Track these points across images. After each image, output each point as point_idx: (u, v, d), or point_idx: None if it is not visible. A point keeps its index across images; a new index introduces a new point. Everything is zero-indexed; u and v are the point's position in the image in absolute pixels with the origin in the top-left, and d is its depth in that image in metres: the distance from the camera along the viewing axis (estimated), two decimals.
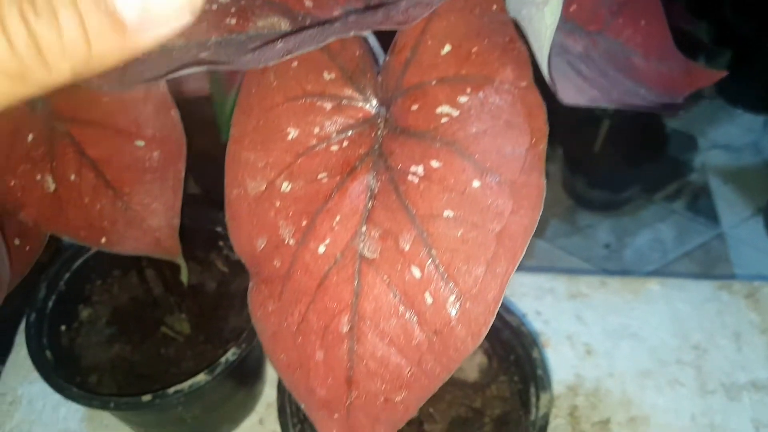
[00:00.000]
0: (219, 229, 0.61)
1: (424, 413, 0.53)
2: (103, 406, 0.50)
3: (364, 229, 0.29)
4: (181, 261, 0.56)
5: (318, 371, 0.29)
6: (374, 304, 0.28)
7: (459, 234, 0.27)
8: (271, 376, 0.67)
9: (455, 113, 0.28)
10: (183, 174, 0.38)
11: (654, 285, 0.73)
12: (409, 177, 0.28)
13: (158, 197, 0.38)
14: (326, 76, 0.30)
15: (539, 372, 0.51)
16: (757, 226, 1.06)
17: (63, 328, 0.58)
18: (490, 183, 0.27)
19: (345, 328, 0.29)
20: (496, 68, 0.27)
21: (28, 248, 0.40)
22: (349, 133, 0.30)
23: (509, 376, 0.55)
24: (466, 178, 0.27)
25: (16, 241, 0.38)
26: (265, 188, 0.30)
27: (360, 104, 0.30)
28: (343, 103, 0.30)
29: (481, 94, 0.27)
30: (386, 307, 0.28)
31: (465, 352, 0.27)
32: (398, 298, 0.28)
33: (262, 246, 0.30)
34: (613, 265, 0.95)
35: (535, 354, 0.52)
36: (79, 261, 0.60)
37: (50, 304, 0.57)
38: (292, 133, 0.30)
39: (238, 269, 0.62)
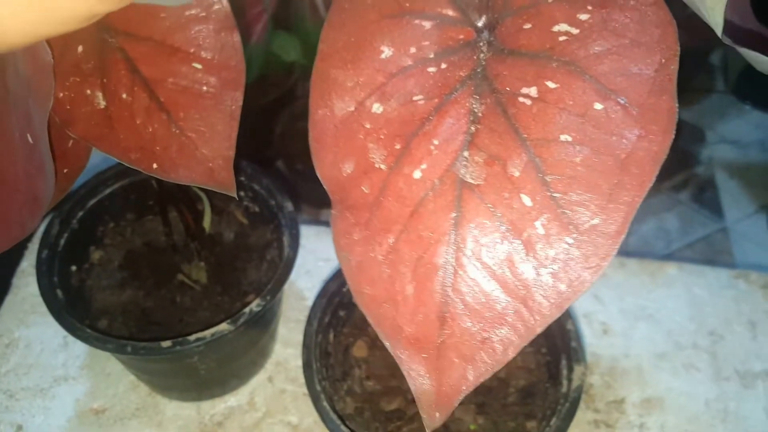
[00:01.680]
0: (241, 178, 0.59)
1: None
2: (119, 350, 0.47)
3: (466, 153, 0.27)
4: (206, 205, 0.54)
5: (407, 306, 0.27)
6: (476, 234, 0.26)
7: (578, 160, 0.25)
8: (282, 335, 0.65)
9: (575, 31, 0.26)
10: (240, 103, 0.36)
11: (672, 269, 0.72)
12: (520, 99, 0.26)
13: (214, 125, 0.35)
14: None
15: (573, 344, 0.49)
16: (761, 223, 1.06)
17: (74, 268, 0.55)
18: (614, 105, 0.25)
19: (441, 260, 0.27)
20: None
21: (66, 171, 0.37)
22: (449, 55, 0.28)
23: (536, 348, 0.54)
24: (587, 99, 0.25)
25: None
26: (355, 109, 0.28)
27: (461, 25, 0.28)
28: (443, 23, 0.28)
29: (603, 11, 0.25)
30: (490, 237, 0.26)
31: (580, 288, 0.25)
32: (504, 227, 0.26)
33: (349, 171, 0.28)
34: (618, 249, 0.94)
35: (569, 326, 0.50)
36: (93, 200, 0.57)
37: (62, 242, 0.54)
38: (386, 52, 0.28)
39: (258, 222, 0.60)
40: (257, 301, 0.50)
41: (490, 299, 0.26)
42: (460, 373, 0.27)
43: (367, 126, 0.28)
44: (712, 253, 1.04)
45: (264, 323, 0.57)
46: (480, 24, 0.27)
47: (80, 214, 0.55)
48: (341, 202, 0.28)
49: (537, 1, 0.26)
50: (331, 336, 0.52)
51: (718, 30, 0.25)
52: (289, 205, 0.56)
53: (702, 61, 1.21)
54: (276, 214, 0.57)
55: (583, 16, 0.26)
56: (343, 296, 0.53)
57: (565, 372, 0.49)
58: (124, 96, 0.34)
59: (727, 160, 1.16)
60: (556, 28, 0.26)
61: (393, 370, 0.52)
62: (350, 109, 0.28)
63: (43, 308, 0.66)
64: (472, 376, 0.27)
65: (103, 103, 0.34)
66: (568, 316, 0.51)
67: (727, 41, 0.27)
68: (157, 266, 0.57)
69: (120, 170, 0.58)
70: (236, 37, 0.35)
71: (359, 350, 0.53)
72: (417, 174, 0.27)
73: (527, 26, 0.26)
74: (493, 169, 0.26)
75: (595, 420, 0.61)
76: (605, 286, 0.70)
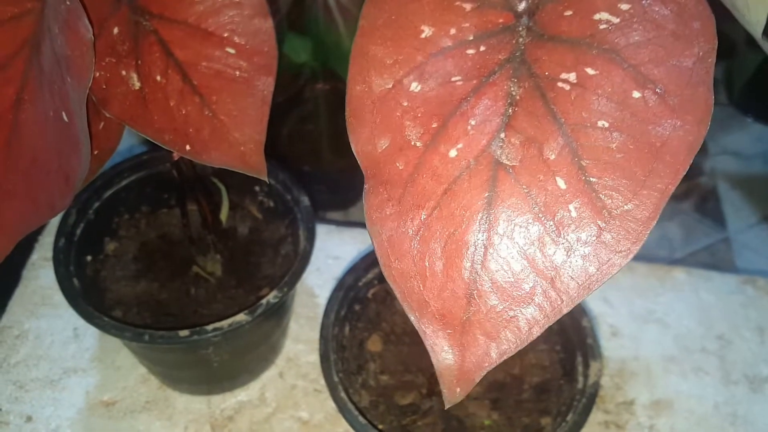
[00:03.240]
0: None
1: None
2: (136, 339, 0.47)
3: (503, 135, 0.27)
4: (224, 197, 0.54)
5: (435, 282, 0.27)
6: (509, 214, 0.27)
7: (614, 146, 0.25)
8: (292, 331, 0.65)
9: (615, 20, 0.26)
10: (272, 89, 0.36)
11: (680, 273, 0.73)
12: (559, 84, 0.27)
13: (245, 110, 0.36)
14: None
15: (589, 341, 0.50)
16: (763, 234, 1.07)
17: (89, 258, 0.55)
18: (652, 95, 0.25)
19: (472, 238, 0.27)
20: None
21: (96, 152, 0.37)
22: (488, 38, 0.28)
23: (550, 345, 0.54)
24: (625, 87, 0.26)
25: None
26: (392, 86, 0.28)
27: (502, 9, 0.28)
28: (484, 6, 0.28)
29: (644, 2, 0.26)
30: (523, 217, 0.26)
31: (609, 272, 0.25)
32: (538, 208, 0.26)
33: (385, 146, 0.28)
34: None
35: (584, 323, 0.51)
36: (110, 192, 0.57)
37: (78, 232, 0.54)
38: (426, 31, 0.28)
39: (272, 217, 0.60)
40: (275, 293, 0.50)
41: (519, 278, 0.27)
42: (483, 350, 0.27)
43: (405, 104, 0.28)
44: (715, 262, 1.04)
45: (278, 316, 0.57)
46: (520, 9, 0.28)
47: (96, 204, 0.56)
48: (375, 177, 0.28)
49: None
50: (347, 329, 0.52)
51: (760, 28, 0.26)
52: (305, 200, 0.56)
53: None
54: (291, 209, 0.57)
55: (625, 6, 0.26)
56: (358, 290, 0.54)
57: (580, 368, 0.49)
58: (158, 78, 0.34)
59: (730, 171, 1.16)
60: (596, 17, 0.26)
61: (407, 366, 0.52)
62: (388, 86, 0.28)
63: (53, 300, 0.66)
64: (496, 353, 0.27)
65: (138, 85, 0.34)
66: (583, 313, 0.51)
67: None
68: (171, 258, 0.57)
69: (136, 162, 0.58)
70: (269, 23, 0.35)
71: (374, 344, 0.53)
72: (453, 153, 0.27)
73: (568, 13, 0.27)
74: (529, 151, 0.27)
75: (605, 421, 0.61)
76: (614, 289, 0.71)
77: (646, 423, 0.61)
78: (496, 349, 0.27)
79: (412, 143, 0.28)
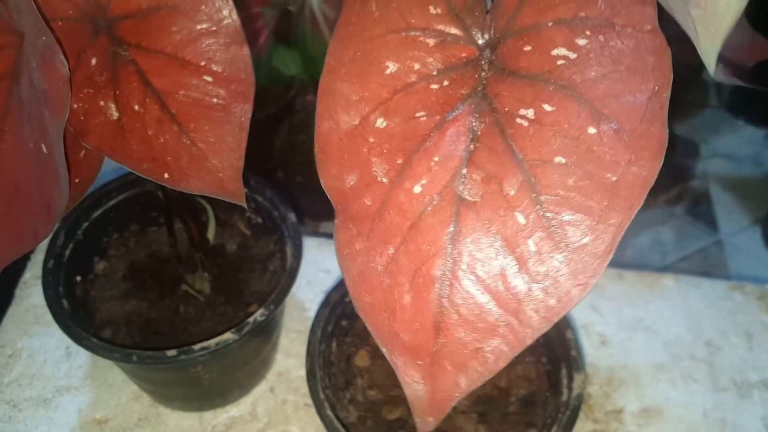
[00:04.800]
0: (245, 190, 0.60)
1: None
2: (125, 359, 0.48)
3: (464, 171, 0.28)
4: (210, 216, 0.55)
5: (404, 315, 0.28)
6: (472, 248, 0.27)
7: (570, 182, 0.26)
8: (283, 345, 0.65)
9: (573, 56, 0.27)
10: (250, 115, 0.37)
11: (669, 281, 0.73)
12: (518, 120, 0.27)
13: (223, 137, 0.36)
14: (432, 10, 0.29)
15: (573, 353, 0.50)
16: (755, 236, 1.07)
17: (78, 278, 0.56)
18: (607, 130, 0.26)
19: (438, 272, 0.28)
20: (619, 11, 0.26)
21: (77, 181, 0.38)
22: (451, 72, 0.29)
23: (536, 357, 0.54)
24: (581, 124, 0.26)
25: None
26: (359, 123, 0.29)
27: (464, 43, 0.29)
28: (447, 40, 0.29)
29: (601, 37, 0.26)
30: (485, 252, 0.27)
31: (569, 304, 0.26)
32: (499, 243, 0.27)
33: (353, 182, 0.29)
34: (612, 263, 0.95)
35: (568, 335, 0.51)
36: (98, 212, 0.57)
37: (67, 252, 0.55)
38: (391, 67, 0.29)
39: (260, 233, 0.61)
40: (261, 311, 0.51)
41: (484, 311, 0.27)
42: (453, 380, 0.28)
43: (371, 140, 0.29)
44: (707, 266, 1.04)
45: (267, 333, 0.57)
46: (482, 43, 0.28)
47: (85, 225, 0.56)
48: (344, 212, 0.29)
49: (538, 23, 0.27)
50: (334, 345, 0.53)
51: (711, 70, 0.26)
52: (292, 216, 0.57)
53: (696, 76, 1.22)
54: (279, 225, 0.58)
55: (582, 41, 0.27)
56: (345, 306, 0.54)
57: (565, 381, 0.49)
58: (136, 107, 0.35)
59: (721, 174, 1.17)
60: (555, 52, 0.27)
61: (394, 380, 0.53)
62: (355, 122, 0.29)
63: (46, 319, 0.67)
64: (465, 383, 0.28)
65: (116, 115, 0.35)
66: (567, 325, 0.51)
67: (719, 78, 0.28)
68: (160, 277, 0.58)
69: (124, 182, 0.59)
70: (245, 51, 0.36)
71: (361, 360, 0.54)
72: (417, 189, 0.28)
73: (527, 48, 0.27)
74: (490, 187, 0.27)
75: (594, 430, 0.61)
76: (603, 298, 0.71)
77: (635, 431, 0.62)
78: (465, 380, 0.28)
79: (379, 179, 0.29)
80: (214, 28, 0.36)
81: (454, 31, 0.29)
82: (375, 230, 0.28)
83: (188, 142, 0.36)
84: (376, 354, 0.55)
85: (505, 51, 0.28)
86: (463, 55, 0.29)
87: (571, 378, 0.49)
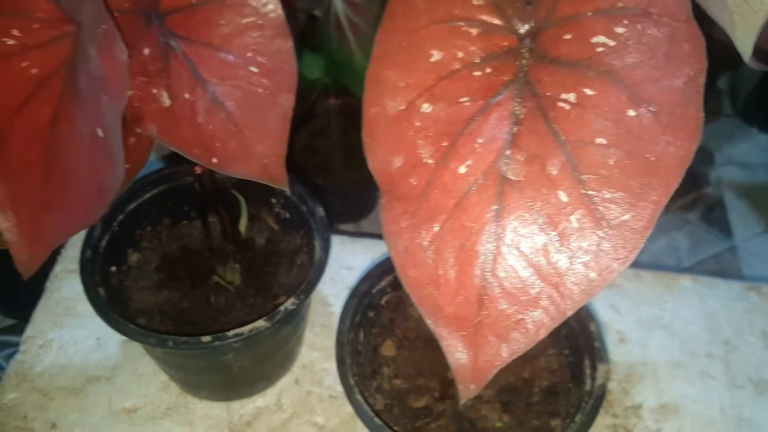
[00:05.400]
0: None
1: None
2: (161, 344, 0.49)
3: (508, 152, 0.29)
4: (243, 208, 0.57)
5: (448, 288, 0.30)
6: (516, 225, 0.29)
7: (612, 162, 0.28)
8: (307, 339, 0.67)
9: (612, 43, 0.28)
10: (292, 105, 0.38)
11: (686, 281, 0.74)
12: (559, 104, 0.29)
13: (267, 125, 0.38)
14: (475, 1, 0.30)
15: (596, 344, 0.51)
16: None
17: (113, 269, 0.57)
18: (646, 113, 0.27)
19: (482, 248, 0.29)
20: (655, 1, 0.28)
21: (128, 166, 0.39)
22: (493, 60, 0.30)
23: (559, 350, 0.56)
24: (621, 107, 0.28)
25: None
26: (405, 108, 0.31)
27: (505, 33, 0.30)
28: (489, 30, 0.30)
29: (638, 25, 0.28)
30: (528, 228, 0.28)
31: (609, 277, 0.27)
32: (541, 220, 0.28)
33: (399, 164, 0.30)
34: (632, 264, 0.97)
35: (591, 327, 0.52)
36: (133, 205, 0.59)
37: (103, 243, 0.56)
38: (436, 55, 0.31)
39: (288, 228, 0.62)
40: (292, 300, 0.52)
41: (526, 284, 0.29)
42: (495, 349, 0.29)
43: (417, 124, 0.30)
44: (721, 271, 1.06)
45: (294, 324, 0.59)
46: (523, 32, 0.30)
47: (120, 217, 0.58)
48: (390, 192, 0.31)
49: (577, 13, 0.29)
50: (362, 335, 0.54)
51: (746, 58, 0.28)
52: (320, 210, 0.58)
53: (710, 85, 1.24)
54: (307, 220, 0.60)
55: (620, 30, 0.28)
56: (372, 298, 0.56)
57: (588, 371, 0.51)
58: (186, 96, 0.37)
59: (735, 181, 1.18)
60: (594, 40, 0.29)
61: (420, 370, 0.54)
62: (401, 108, 0.31)
63: (76, 311, 0.68)
64: (506, 353, 0.29)
65: (168, 102, 0.37)
66: (590, 317, 0.53)
67: (753, 66, 0.29)
68: (192, 269, 0.60)
69: (158, 176, 0.60)
70: (289, 44, 0.37)
71: (387, 350, 0.55)
72: (462, 169, 0.30)
73: (567, 37, 0.29)
74: (533, 167, 0.29)
75: (614, 424, 0.62)
76: (622, 297, 0.72)
77: (654, 426, 0.63)
78: (506, 349, 0.29)
79: (424, 160, 0.30)
80: (260, 22, 0.38)
81: (495, 21, 0.30)
82: (421, 209, 0.30)
83: (235, 129, 0.37)
84: (401, 344, 0.56)
85: (546, 39, 0.30)
86: (505, 44, 0.30)
87: (594, 369, 0.50)
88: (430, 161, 0.30)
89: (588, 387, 0.50)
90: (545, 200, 0.28)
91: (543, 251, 0.28)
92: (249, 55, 0.38)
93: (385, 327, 0.57)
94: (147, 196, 0.60)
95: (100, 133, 0.35)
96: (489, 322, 0.29)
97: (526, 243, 0.28)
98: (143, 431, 0.60)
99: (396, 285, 0.58)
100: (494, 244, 0.29)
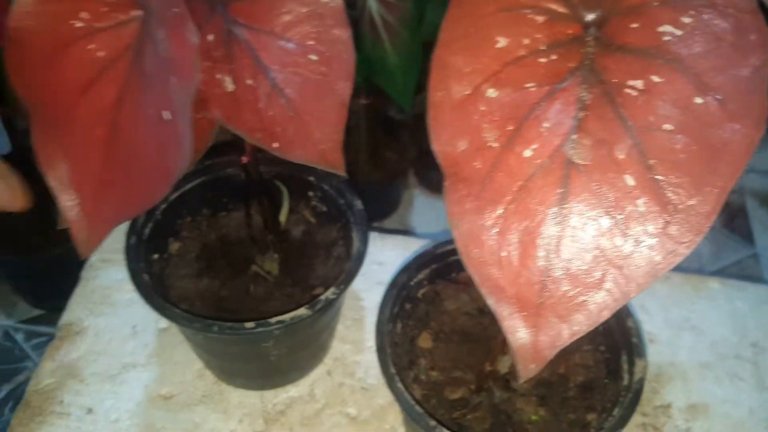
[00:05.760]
0: (311, 178, 0.62)
1: (511, 371, 0.54)
2: (205, 329, 0.50)
3: (574, 137, 0.30)
4: (285, 198, 0.57)
5: (511, 269, 0.30)
6: (581, 208, 0.29)
7: (678, 147, 0.28)
8: (339, 332, 0.67)
9: (678, 33, 0.29)
10: (350, 93, 0.39)
11: (714, 283, 0.75)
12: (626, 90, 0.29)
13: (325, 112, 0.39)
14: None
15: (634, 340, 0.52)
16: None
17: (155, 256, 0.58)
18: (712, 101, 0.28)
19: (546, 230, 0.30)
20: None
21: None
22: (559, 47, 0.31)
23: (595, 346, 0.56)
24: (688, 94, 0.28)
25: None
26: (471, 93, 0.31)
27: (571, 21, 0.31)
28: (554, 18, 0.31)
29: (705, 16, 0.29)
30: (594, 211, 0.29)
31: (673, 261, 0.28)
32: (608, 203, 0.29)
33: (463, 147, 0.31)
34: None
35: (629, 323, 0.53)
36: (175, 195, 0.60)
37: (147, 231, 0.57)
38: (501, 42, 0.31)
39: (324, 221, 0.63)
40: (332, 289, 0.53)
41: (590, 267, 0.29)
42: (556, 331, 0.30)
43: (482, 108, 0.31)
44: (744, 278, 1.06)
45: (331, 314, 0.59)
46: (588, 20, 0.31)
47: (163, 206, 0.59)
48: (454, 175, 0.31)
49: (644, 3, 0.30)
50: (399, 326, 0.55)
51: None
52: (358, 203, 0.59)
53: None
54: (344, 213, 0.60)
55: (686, 20, 0.29)
56: (409, 290, 0.56)
57: (626, 366, 0.51)
58: (248, 82, 0.38)
59: (758, 189, 1.18)
60: (661, 29, 0.29)
61: (456, 363, 0.55)
62: (466, 92, 0.31)
63: (111, 299, 0.69)
64: (567, 334, 0.30)
65: (231, 87, 0.38)
66: (629, 313, 0.53)
67: None
68: (230, 258, 0.60)
69: (199, 167, 0.61)
70: (348, 33, 0.38)
71: (424, 341, 0.56)
72: (527, 153, 0.30)
73: (634, 25, 0.30)
74: (600, 151, 0.29)
75: (643, 423, 0.63)
76: (651, 298, 0.73)
77: (683, 426, 0.63)
78: (567, 330, 0.30)
79: (489, 144, 0.31)
80: (321, 11, 0.39)
81: (561, 9, 0.31)
82: (485, 191, 0.31)
83: (294, 115, 0.38)
84: (438, 337, 0.57)
85: (612, 28, 0.31)
86: (570, 31, 0.31)
87: (632, 363, 0.51)
88: (495, 145, 0.31)
89: (626, 382, 0.50)
90: (612, 184, 0.29)
91: (608, 234, 0.29)
92: (309, 43, 0.39)
93: (420, 319, 0.57)
94: (188, 186, 0.61)
95: (166, 115, 0.36)
96: (551, 303, 0.30)
97: (592, 226, 0.29)
98: (179, 417, 0.61)
99: (432, 278, 0.58)
100: (559, 226, 0.29)
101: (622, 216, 0.29)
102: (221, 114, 0.37)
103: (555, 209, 0.30)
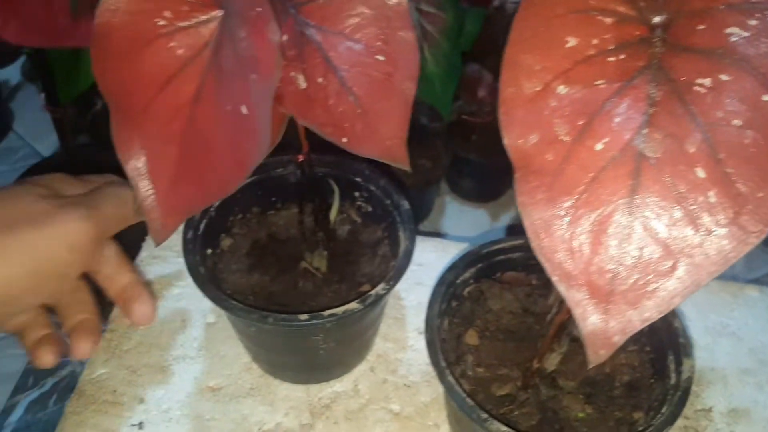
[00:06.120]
0: (358, 179, 0.64)
1: (557, 369, 0.55)
2: (261, 320, 0.52)
3: (645, 131, 0.31)
4: (336, 196, 0.59)
5: (582, 257, 0.31)
6: (652, 199, 0.30)
7: (747, 141, 0.29)
8: (381, 330, 0.69)
9: (745, 34, 0.30)
10: (414, 92, 0.41)
11: (753, 291, 0.75)
12: (695, 88, 0.31)
13: (391, 110, 0.40)
14: None
15: (681, 340, 0.53)
16: None
17: (209, 251, 0.60)
18: None
19: (617, 219, 0.31)
20: None
21: None
22: (626, 48, 0.32)
23: (639, 347, 0.57)
24: (756, 92, 0.30)
25: None
26: (541, 89, 0.33)
27: (638, 23, 0.32)
28: (622, 20, 0.33)
29: None
30: (665, 202, 0.30)
31: (743, 250, 0.29)
32: (679, 195, 0.30)
33: (534, 141, 0.33)
34: None
35: (676, 324, 0.54)
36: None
37: (202, 226, 0.59)
38: (571, 41, 0.33)
39: (369, 221, 0.65)
40: (382, 285, 0.54)
41: (661, 256, 0.31)
42: (627, 318, 0.31)
43: (553, 104, 0.32)
44: None
45: (378, 311, 0.61)
46: (655, 22, 0.32)
47: (216, 203, 0.61)
48: (525, 167, 0.33)
49: (710, 6, 0.31)
50: (446, 323, 0.56)
51: None
52: (405, 204, 0.61)
53: None
54: (390, 213, 0.62)
55: (753, 22, 0.30)
56: (456, 287, 0.58)
57: (672, 366, 0.52)
58: (319, 80, 0.39)
59: None
60: (727, 30, 0.30)
61: (502, 360, 0.56)
62: (537, 89, 0.33)
63: (161, 294, 0.71)
64: (638, 320, 0.31)
65: (303, 85, 0.39)
66: (675, 314, 0.54)
67: None
68: (279, 255, 0.62)
69: None
70: (413, 35, 0.40)
71: (471, 338, 0.57)
72: (599, 146, 0.32)
73: (701, 27, 0.31)
74: (670, 145, 0.31)
75: (685, 426, 0.63)
76: (689, 304, 0.73)
77: (725, 429, 0.63)
78: (638, 317, 0.31)
79: (561, 138, 0.32)
80: (387, 14, 0.41)
81: (628, 12, 0.33)
82: (556, 182, 0.32)
83: (361, 112, 0.40)
84: (483, 335, 0.58)
85: (678, 30, 0.32)
86: (637, 33, 0.33)
87: (679, 363, 0.52)
88: (567, 138, 0.32)
89: (673, 381, 0.51)
90: (683, 176, 0.30)
91: (679, 224, 0.30)
92: (376, 44, 0.40)
93: (466, 317, 0.59)
94: (240, 185, 0.63)
95: (244, 110, 0.38)
96: (622, 290, 0.31)
97: (663, 216, 0.30)
98: (227, 408, 0.62)
99: (478, 277, 0.60)
100: (630, 216, 0.31)
101: (693, 206, 0.30)
102: (295, 110, 0.39)
103: (626, 200, 0.31)
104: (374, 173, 0.63)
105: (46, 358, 0.49)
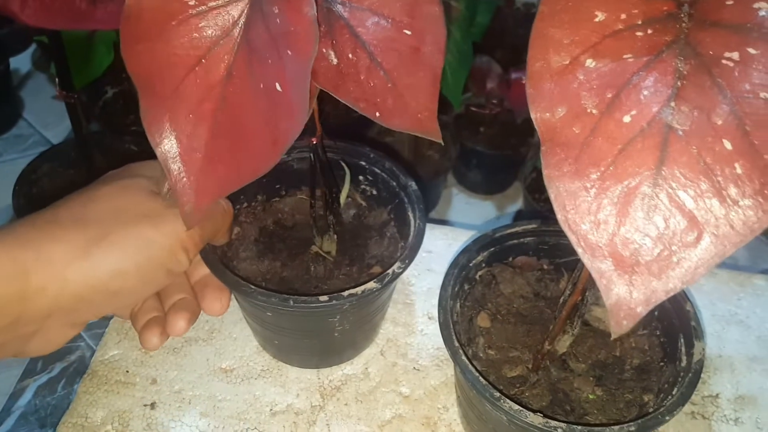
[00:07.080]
0: (362, 162, 0.64)
1: (568, 352, 0.56)
2: (282, 303, 0.52)
3: (673, 104, 0.31)
4: (347, 178, 0.60)
5: (607, 229, 0.32)
6: (680, 170, 0.31)
7: None
8: (390, 314, 0.69)
9: None
10: (442, 65, 0.41)
11: (760, 280, 0.76)
12: (723, 61, 0.31)
13: (420, 83, 0.41)
14: None
15: (692, 323, 0.53)
16: None
17: None
18: None
19: (644, 191, 0.31)
20: None
21: None
22: (654, 23, 0.33)
23: (650, 330, 0.57)
24: None
25: None
26: (569, 62, 0.33)
27: None
28: None
29: None
30: (692, 173, 0.31)
31: (767, 221, 0.29)
32: (706, 166, 0.30)
33: (562, 114, 0.33)
34: None
35: (687, 307, 0.54)
36: None
37: None
38: (600, 16, 0.33)
39: (374, 204, 0.65)
40: (398, 264, 0.55)
41: (687, 227, 0.31)
42: (651, 288, 0.32)
43: (581, 77, 0.33)
44: None
45: (389, 292, 0.61)
46: None
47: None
48: (551, 140, 0.33)
49: None
50: (458, 305, 0.57)
51: None
52: (413, 184, 0.61)
53: None
54: (397, 194, 0.62)
55: None
56: (468, 271, 0.58)
57: (683, 349, 0.52)
58: (350, 56, 0.40)
59: None
60: (756, 5, 0.31)
61: (513, 343, 0.56)
62: (565, 62, 0.33)
63: None
64: (662, 291, 0.31)
65: (335, 60, 0.40)
66: (686, 298, 0.54)
67: None
68: (288, 241, 0.62)
69: None
70: (439, 8, 0.40)
71: (482, 321, 0.57)
72: (627, 119, 0.32)
73: (729, 2, 0.31)
74: (698, 117, 0.31)
75: (692, 411, 0.64)
76: (697, 293, 0.74)
77: (732, 416, 0.64)
78: (662, 288, 0.31)
79: (588, 111, 0.32)
80: None
81: None
82: (583, 154, 0.32)
83: (392, 86, 0.40)
84: (495, 318, 0.58)
85: (706, 5, 0.32)
86: (665, 8, 0.33)
87: (690, 346, 0.52)
88: (594, 111, 0.32)
89: (684, 363, 0.52)
90: (710, 148, 0.30)
91: (706, 195, 0.30)
92: (403, 19, 0.41)
93: (477, 300, 0.59)
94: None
95: (278, 87, 0.38)
96: (646, 261, 0.31)
97: (690, 187, 0.31)
98: (239, 389, 0.63)
99: (490, 261, 0.60)
100: (657, 188, 0.31)
101: (719, 178, 0.30)
102: (330, 85, 0.40)
103: (653, 171, 0.31)
104: (379, 156, 0.64)
105: (152, 341, 0.51)
